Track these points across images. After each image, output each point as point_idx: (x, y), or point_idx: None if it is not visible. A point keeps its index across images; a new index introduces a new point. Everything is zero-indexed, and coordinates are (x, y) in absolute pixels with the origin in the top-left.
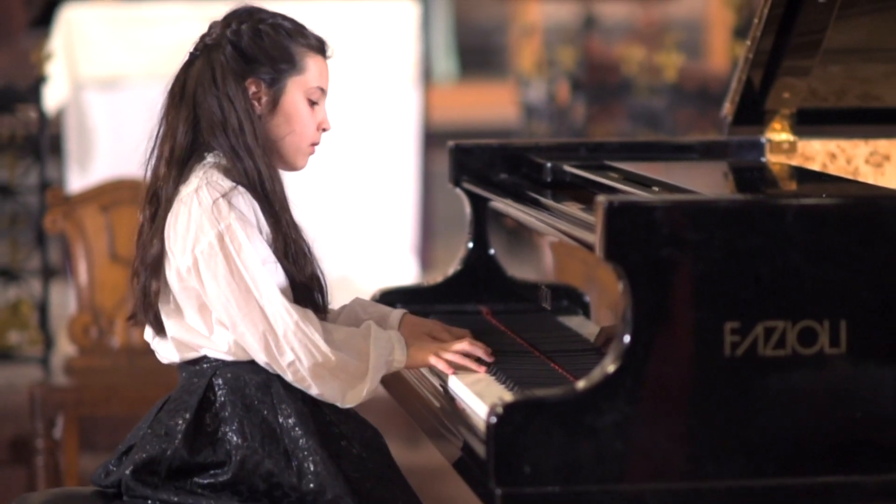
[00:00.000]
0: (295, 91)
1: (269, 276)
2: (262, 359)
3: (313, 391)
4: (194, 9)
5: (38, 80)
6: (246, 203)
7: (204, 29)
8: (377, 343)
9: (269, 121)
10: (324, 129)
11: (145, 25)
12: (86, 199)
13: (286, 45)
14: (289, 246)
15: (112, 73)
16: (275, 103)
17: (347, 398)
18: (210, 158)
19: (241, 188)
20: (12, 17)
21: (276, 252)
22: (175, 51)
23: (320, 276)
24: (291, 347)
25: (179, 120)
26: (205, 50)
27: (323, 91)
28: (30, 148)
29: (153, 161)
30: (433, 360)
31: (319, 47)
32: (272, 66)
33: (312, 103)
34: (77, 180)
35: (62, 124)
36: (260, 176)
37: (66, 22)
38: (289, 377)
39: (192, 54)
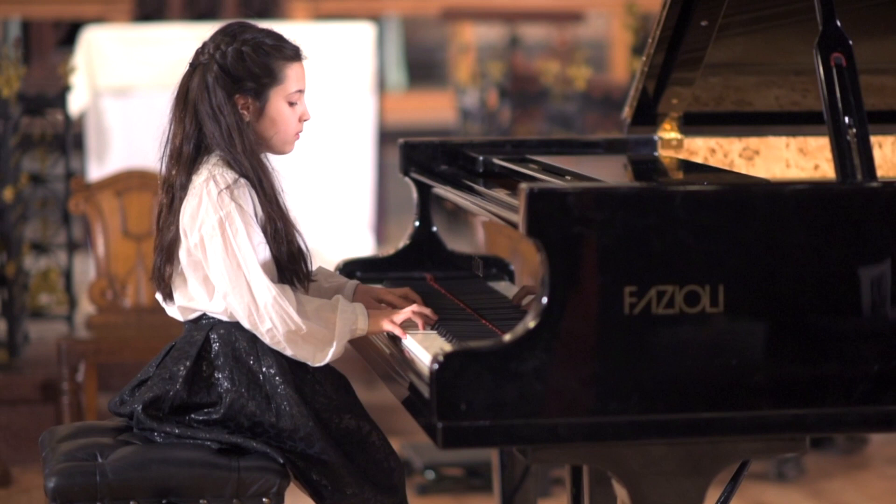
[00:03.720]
0: (277, 99)
1: (256, 257)
2: (246, 324)
3: (288, 353)
4: (192, 30)
5: (64, 89)
6: (245, 194)
7: (199, 44)
8: (343, 315)
9: (258, 125)
10: (305, 120)
11: (152, 44)
12: (103, 186)
13: (266, 62)
14: (278, 229)
15: (124, 83)
16: (261, 111)
17: (317, 359)
18: (216, 154)
19: (242, 180)
20: (43, 37)
21: (266, 233)
22: (177, 65)
23: (304, 250)
24: (270, 317)
25: (185, 124)
26: (199, 66)
27: (301, 91)
28: (57, 144)
29: (166, 156)
30: (389, 327)
31: (295, 55)
32: (255, 83)
33: (292, 104)
34: (96, 170)
35: (83, 125)
36: (253, 172)
37: (87, 41)
38: (267, 340)
39: (191, 65)
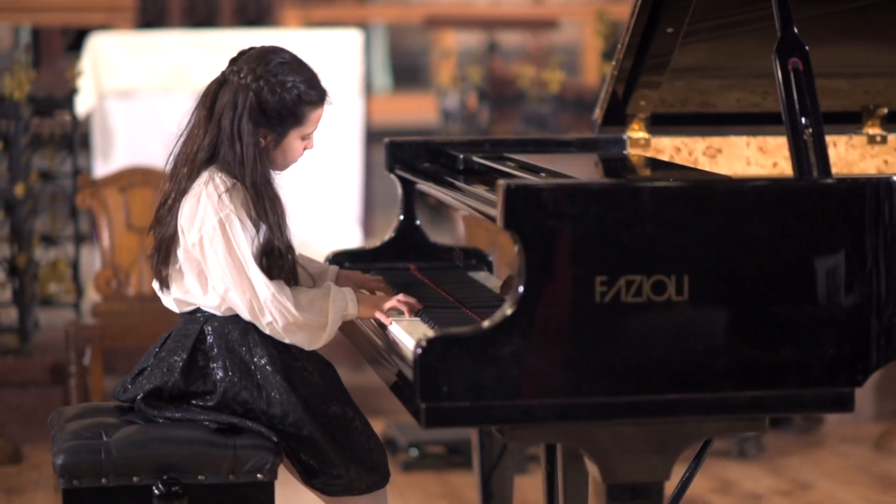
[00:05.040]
0: (294, 137)
1: (255, 256)
2: (247, 317)
3: (286, 340)
4: (191, 37)
5: (72, 92)
6: (241, 198)
7: (201, 49)
8: (335, 302)
9: (270, 152)
10: (308, 148)
11: (154, 49)
12: (108, 182)
13: (297, 109)
14: (274, 243)
15: (128, 86)
16: (277, 144)
17: (311, 345)
18: (218, 161)
19: (239, 185)
20: (52, 44)
21: (260, 236)
22: (176, 69)
23: (291, 257)
24: (270, 311)
25: (207, 134)
26: (232, 85)
27: (315, 128)
28: (65, 143)
29: (180, 152)
30: (376, 314)
31: (322, 101)
32: (282, 123)
33: (304, 138)
34: (101, 168)
35: (90, 125)
36: (255, 185)
37: (93, 47)
38: (267, 331)
39: (224, 74)
